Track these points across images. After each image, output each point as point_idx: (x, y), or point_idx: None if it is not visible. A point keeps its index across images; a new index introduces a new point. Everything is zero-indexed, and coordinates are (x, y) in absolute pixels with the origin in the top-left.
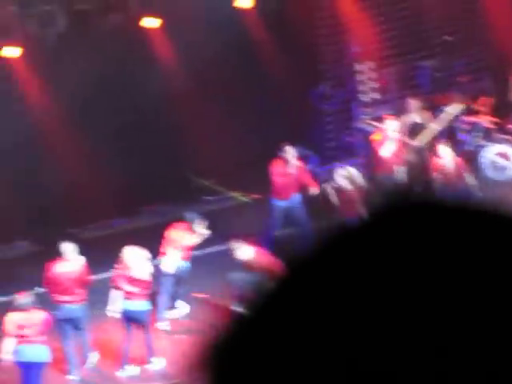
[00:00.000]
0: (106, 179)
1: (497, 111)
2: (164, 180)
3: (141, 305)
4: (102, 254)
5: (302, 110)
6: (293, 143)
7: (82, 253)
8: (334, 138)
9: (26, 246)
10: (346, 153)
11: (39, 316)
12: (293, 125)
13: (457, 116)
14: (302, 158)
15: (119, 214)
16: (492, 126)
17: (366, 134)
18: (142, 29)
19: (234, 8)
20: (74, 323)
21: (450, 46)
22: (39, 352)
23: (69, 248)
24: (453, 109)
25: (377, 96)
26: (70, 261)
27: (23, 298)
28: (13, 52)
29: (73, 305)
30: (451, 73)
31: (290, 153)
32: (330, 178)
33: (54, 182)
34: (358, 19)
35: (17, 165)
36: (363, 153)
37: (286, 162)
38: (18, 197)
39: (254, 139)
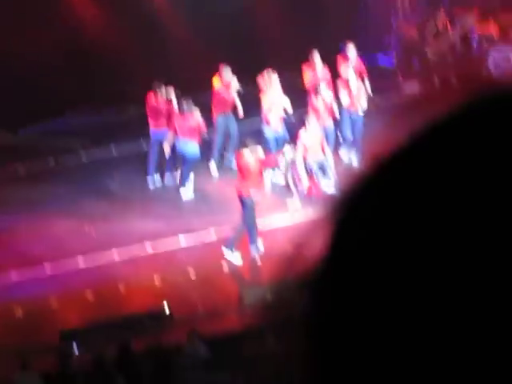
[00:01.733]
0: None
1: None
2: None
3: None
4: None
5: (352, 13)
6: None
7: None
8: (375, 37)
9: None
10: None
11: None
12: (345, 24)
13: (470, 26)
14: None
15: None
16: (496, 35)
17: (400, 38)
18: None
19: None
20: None
21: None
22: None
23: None
24: (467, 21)
25: (409, 5)
26: None
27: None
28: None
29: None
30: None
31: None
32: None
33: None
34: None
35: None
36: (396, 49)
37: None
38: None
39: (313, 34)
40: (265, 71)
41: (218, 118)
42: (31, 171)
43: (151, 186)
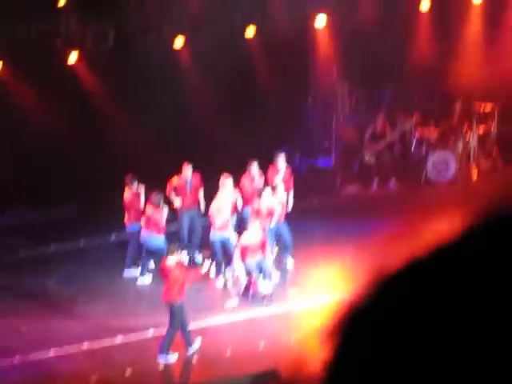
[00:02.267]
0: None
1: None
2: None
3: None
4: None
5: (293, 117)
6: (284, 143)
7: None
8: (315, 140)
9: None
10: (324, 152)
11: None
12: (285, 128)
13: (409, 129)
14: (289, 153)
15: None
16: (435, 139)
17: (339, 138)
18: (173, 48)
19: (243, 38)
20: None
21: (408, 75)
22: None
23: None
24: (406, 124)
25: (349, 108)
26: None
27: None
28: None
29: None
30: (407, 96)
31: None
32: (308, 171)
33: None
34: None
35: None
36: (336, 152)
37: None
38: None
39: (254, 141)
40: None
41: (183, 213)
42: None
43: (127, 278)
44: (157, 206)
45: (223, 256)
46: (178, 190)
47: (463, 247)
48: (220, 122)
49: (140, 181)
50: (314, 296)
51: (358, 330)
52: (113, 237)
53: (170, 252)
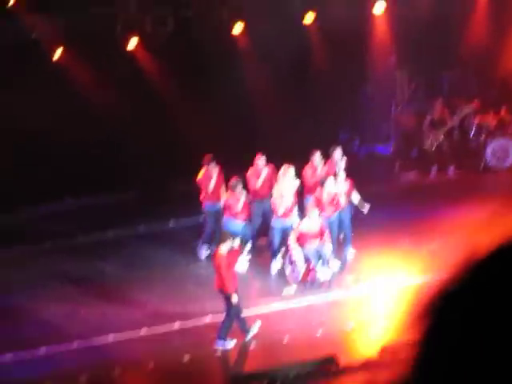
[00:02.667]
0: None
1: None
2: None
3: None
4: None
5: (352, 104)
6: (341, 128)
7: None
8: (374, 126)
9: None
10: (382, 138)
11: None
12: (343, 114)
13: (469, 116)
14: (347, 140)
15: None
16: (495, 126)
17: (398, 125)
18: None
19: (301, 22)
20: None
21: (467, 62)
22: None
23: None
24: (466, 110)
25: (408, 96)
26: None
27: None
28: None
29: None
30: (466, 82)
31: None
32: (367, 158)
33: None
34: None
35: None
36: (394, 139)
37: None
38: None
39: (313, 126)
40: (284, 165)
41: (256, 203)
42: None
43: (202, 257)
44: (233, 191)
45: (284, 243)
46: (250, 181)
47: None
48: (279, 109)
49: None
50: (373, 283)
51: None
52: (171, 223)
53: (221, 240)
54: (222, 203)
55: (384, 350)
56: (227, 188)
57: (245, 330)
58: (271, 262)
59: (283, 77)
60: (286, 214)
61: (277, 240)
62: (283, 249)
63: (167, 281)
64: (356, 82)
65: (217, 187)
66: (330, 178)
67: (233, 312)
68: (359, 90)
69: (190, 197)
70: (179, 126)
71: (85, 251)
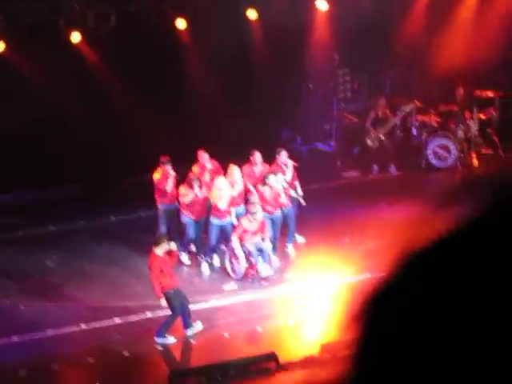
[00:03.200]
0: None
1: (441, 114)
2: None
3: None
4: None
5: (292, 101)
6: (283, 126)
7: None
8: (315, 124)
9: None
10: (323, 136)
11: None
12: (285, 112)
13: (410, 114)
14: (290, 138)
15: None
16: (436, 125)
17: (340, 123)
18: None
19: (244, 18)
20: None
21: (408, 61)
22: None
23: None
24: (407, 108)
25: (350, 94)
26: None
27: None
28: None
29: None
30: (407, 81)
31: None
32: (308, 155)
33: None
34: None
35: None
36: (336, 137)
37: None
38: None
39: (255, 124)
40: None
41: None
42: None
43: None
44: (192, 186)
45: (222, 240)
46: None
47: (469, 232)
48: (221, 106)
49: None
50: (313, 280)
51: (385, 311)
52: (113, 218)
53: (157, 242)
54: (179, 201)
55: (323, 348)
56: (185, 183)
57: (187, 326)
58: (204, 258)
59: (226, 73)
60: (226, 212)
61: (214, 237)
62: (223, 246)
63: (107, 276)
64: (298, 80)
65: (174, 187)
66: (272, 176)
67: (175, 310)
68: (301, 88)
69: (133, 193)
70: (122, 120)
71: (25, 245)
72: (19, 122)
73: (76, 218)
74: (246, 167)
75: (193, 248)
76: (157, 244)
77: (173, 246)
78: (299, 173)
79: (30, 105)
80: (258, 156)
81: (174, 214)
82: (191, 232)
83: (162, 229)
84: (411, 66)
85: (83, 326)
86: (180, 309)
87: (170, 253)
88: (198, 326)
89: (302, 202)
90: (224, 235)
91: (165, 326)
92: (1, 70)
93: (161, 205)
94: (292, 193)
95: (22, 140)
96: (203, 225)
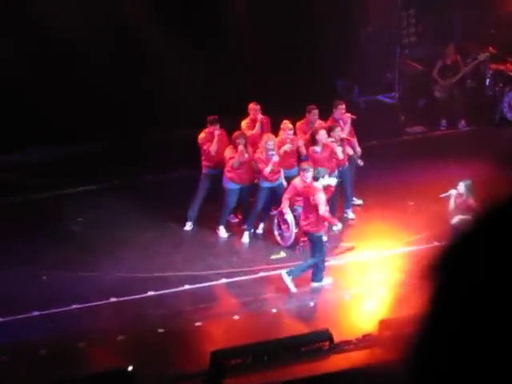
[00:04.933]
0: None
1: None
2: None
3: None
4: None
5: (349, 48)
6: (338, 76)
7: None
8: (375, 74)
9: None
10: (384, 86)
11: None
12: (340, 60)
13: (483, 62)
14: (346, 89)
15: None
16: None
17: (403, 72)
18: None
19: None
20: None
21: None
22: None
23: None
24: (481, 56)
25: (415, 39)
26: None
27: None
28: None
29: None
30: (480, 24)
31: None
32: (368, 107)
33: None
34: None
35: None
36: (399, 88)
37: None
38: None
39: (305, 70)
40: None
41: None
42: None
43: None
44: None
45: (272, 205)
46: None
47: None
48: (272, 58)
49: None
50: (373, 248)
51: (454, 280)
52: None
53: (315, 178)
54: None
55: (382, 325)
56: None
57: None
58: (247, 228)
59: (271, 22)
60: (276, 173)
61: (263, 201)
62: (272, 211)
63: (139, 243)
64: (356, 24)
65: (220, 150)
66: (324, 132)
67: (322, 252)
68: (359, 32)
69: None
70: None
71: (48, 207)
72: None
73: (106, 177)
74: (300, 124)
75: (234, 219)
76: (316, 178)
77: (332, 181)
78: (357, 128)
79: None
80: (315, 114)
81: (219, 180)
82: (233, 200)
83: (200, 196)
84: (485, 7)
85: (112, 300)
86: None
87: (326, 188)
88: (328, 281)
89: (360, 162)
90: (274, 199)
91: (318, 270)
92: None
93: (204, 169)
94: (349, 150)
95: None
96: (250, 191)
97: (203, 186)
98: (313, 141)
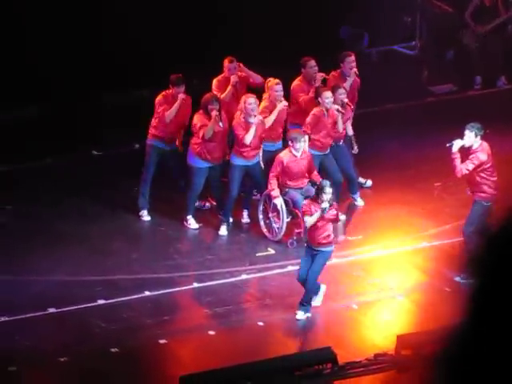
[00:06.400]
0: None
1: None
2: None
3: None
4: None
5: None
6: (342, 23)
7: None
8: (390, 17)
9: None
10: (402, 34)
11: None
12: (345, 2)
13: None
14: (352, 38)
15: None
16: None
17: (427, 15)
18: None
19: None
20: None
21: None
22: None
23: None
24: None
25: None
26: None
27: None
28: None
29: None
30: None
31: None
32: (381, 60)
33: None
34: None
35: None
36: (421, 35)
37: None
38: None
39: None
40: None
41: None
42: None
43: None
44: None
45: (251, 188)
46: None
47: None
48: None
49: None
50: (388, 243)
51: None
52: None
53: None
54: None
55: (401, 342)
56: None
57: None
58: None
59: None
60: (254, 148)
61: (237, 184)
62: (255, 195)
63: (85, 238)
64: None
65: (176, 120)
66: (328, 93)
67: None
68: None
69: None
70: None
71: None
72: None
73: (37, 152)
74: (295, 83)
75: (205, 205)
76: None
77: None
78: (367, 88)
79: None
80: (312, 66)
81: (173, 156)
82: (200, 182)
83: (148, 177)
84: None
85: (51, 310)
86: None
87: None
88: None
89: (356, 148)
90: (252, 180)
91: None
92: None
93: (151, 138)
94: (349, 129)
95: None
96: (221, 170)
97: (150, 162)
98: (316, 103)
